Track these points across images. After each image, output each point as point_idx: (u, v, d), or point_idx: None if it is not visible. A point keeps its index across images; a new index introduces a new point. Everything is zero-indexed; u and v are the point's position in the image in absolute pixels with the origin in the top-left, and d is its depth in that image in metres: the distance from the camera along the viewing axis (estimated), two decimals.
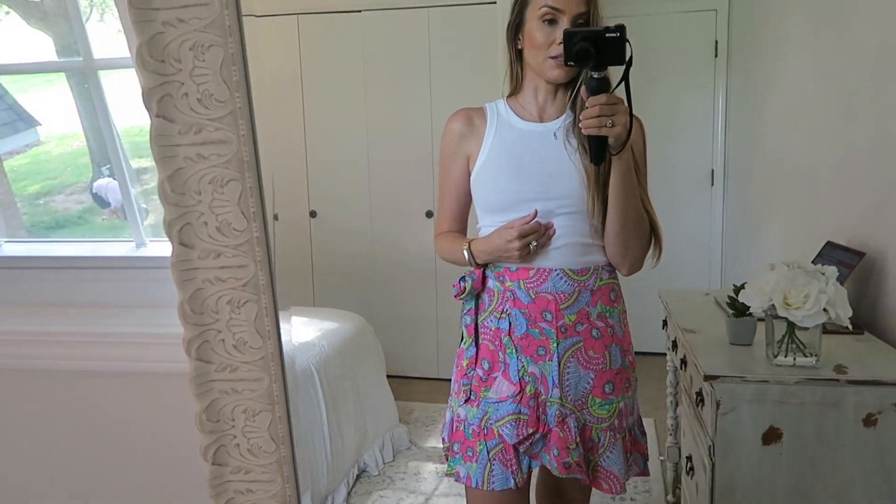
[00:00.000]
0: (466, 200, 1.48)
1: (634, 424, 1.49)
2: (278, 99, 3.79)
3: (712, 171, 3.92)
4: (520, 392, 1.35)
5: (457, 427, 1.43)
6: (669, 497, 2.49)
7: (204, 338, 0.74)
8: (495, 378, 1.38)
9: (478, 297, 1.43)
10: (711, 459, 1.44)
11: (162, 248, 1.52)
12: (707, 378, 1.43)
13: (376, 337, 3.00)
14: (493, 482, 1.37)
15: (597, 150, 1.22)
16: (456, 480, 1.42)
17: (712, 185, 3.93)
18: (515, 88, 1.45)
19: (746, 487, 1.43)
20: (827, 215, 2.15)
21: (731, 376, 1.41)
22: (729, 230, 3.85)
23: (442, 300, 3.70)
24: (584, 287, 1.37)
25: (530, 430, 1.35)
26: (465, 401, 1.41)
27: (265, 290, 0.78)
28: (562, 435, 1.35)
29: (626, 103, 1.19)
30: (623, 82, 1.19)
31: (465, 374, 1.42)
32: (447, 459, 1.47)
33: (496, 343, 1.39)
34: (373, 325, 3.06)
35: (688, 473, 1.70)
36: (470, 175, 1.44)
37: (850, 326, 1.39)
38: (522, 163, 1.37)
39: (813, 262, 2.02)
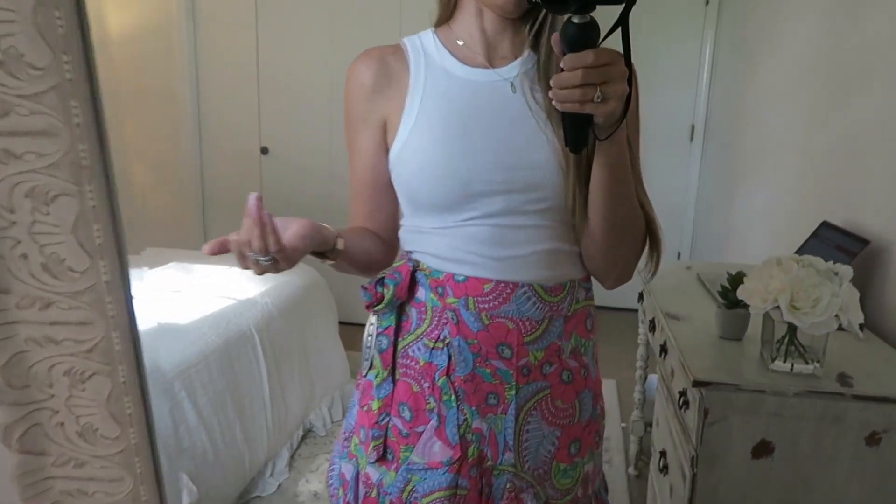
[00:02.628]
0: (385, 185, 0.99)
1: (600, 487, 1.11)
2: (227, 22, 3.42)
3: (692, 126, 3.73)
4: (459, 458, 0.93)
5: (366, 493, 0.98)
6: (631, 469, 2.41)
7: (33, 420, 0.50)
8: (421, 434, 0.95)
9: (400, 310, 0.98)
10: (693, 470, 1.30)
11: None
12: (696, 384, 1.26)
13: (329, 291, 2.78)
14: None
15: (575, 134, 0.77)
16: None
17: (691, 141, 3.75)
18: (447, 12, 0.98)
19: (729, 500, 1.29)
20: (824, 191, 1.98)
21: (723, 383, 1.25)
22: (705, 191, 3.70)
23: None
24: (557, 312, 0.95)
25: None
26: (378, 459, 0.97)
27: (124, 357, 0.55)
28: None
29: (623, 60, 0.74)
30: (620, 27, 0.74)
31: (377, 423, 0.96)
32: None
33: (425, 384, 0.94)
34: (328, 272, 2.84)
35: (661, 471, 1.57)
36: (388, 150, 0.96)
37: (861, 334, 1.24)
38: (470, 133, 0.90)
39: (806, 242, 1.87)
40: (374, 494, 0.97)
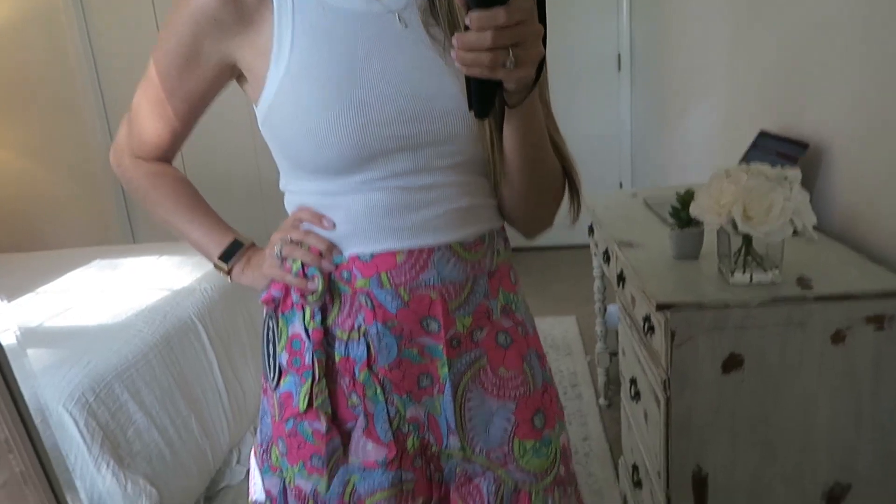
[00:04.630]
0: (192, 120, 0.88)
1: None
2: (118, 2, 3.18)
3: (619, 55, 3.69)
4: (396, 454, 0.84)
5: None
6: (602, 400, 2.42)
7: None
8: (352, 432, 0.84)
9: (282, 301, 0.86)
10: (667, 393, 1.28)
11: None
12: (660, 307, 1.23)
13: None
14: None
15: (481, 99, 0.66)
16: None
17: (619, 70, 3.72)
18: None
19: (703, 417, 1.28)
20: (757, 101, 1.97)
21: (686, 303, 1.23)
22: (639, 119, 3.69)
23: None
24: (480, 270, 0.84)
25: (420, 501, 0.87)
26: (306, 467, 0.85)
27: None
28: None
29: (537, 16, 0.62)
30: None
31: (298, 430, 0.84)
32: None
33: (344, 381, 0.83)
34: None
35: (633, 398, 1.56)
36: (218, 88, 0.84)
37: (815, 237, 1.22)
38: (360, 78, 0.75)
39: (746, 154, 1.86)
40: None
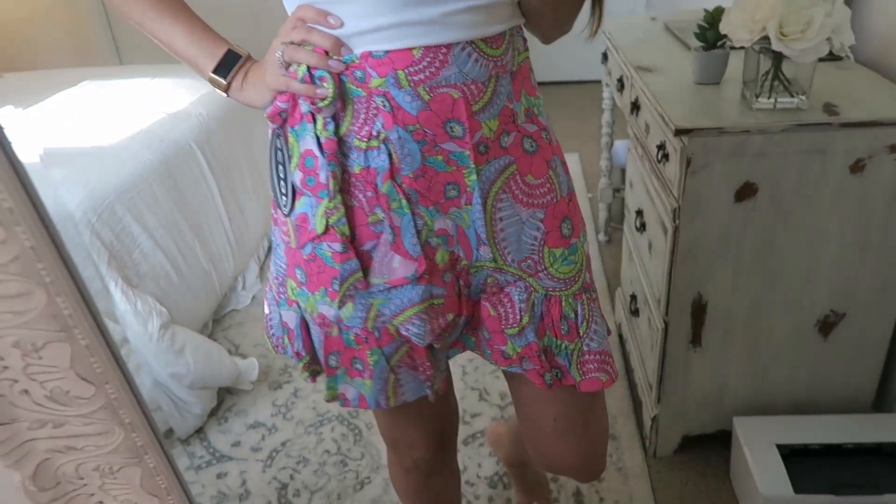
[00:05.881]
0: None
1: None
2: None
3: None
4: (426, 268, 0.80)
5: (327, 333, 0.85)
6: (601, 236, 2.44)
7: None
8: (372, 252, 0.80)
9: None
10: (675, 222, 1.27)
11: None
12: (679, 132, 1.18)
13: None
14: (401, 394, 0.88)
15: None
16: (342, 405, 0.90)
17: None
18: None
19: (710, 245, 1.29)
20: None
21: (706, 128, 1.18)
22: None
23: None
24: (503, 68, 0.77)
25: (450, 317, 0.84)
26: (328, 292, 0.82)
27: (150, 447, 0.50)
28: (493, 313, 0.85)
29: None
30: None
31: (317, 254, 0.80)
32: (313, 377, 0.93)
33: (366, 195, 0.78)
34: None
35: (638, 230, 1.55)
36: None
37: (852, 56, 1.15)
38: None
39: None
40: (335, 333, 0.84)
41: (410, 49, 0.71)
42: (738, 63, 1.32)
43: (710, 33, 1.31)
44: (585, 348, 0.86)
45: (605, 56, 1.96)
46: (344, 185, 0.78)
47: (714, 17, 1.29)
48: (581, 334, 0.86)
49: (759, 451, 1.34)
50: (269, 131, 0.82)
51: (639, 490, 1.50)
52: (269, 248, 2.49)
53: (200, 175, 1.99)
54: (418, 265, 0.79)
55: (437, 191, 0.78)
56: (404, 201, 0.77)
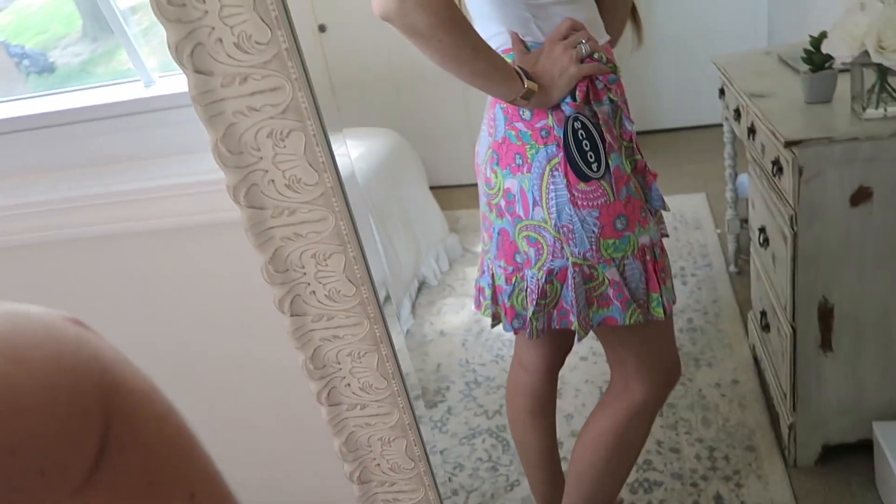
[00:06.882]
0: None
1: None
2: None
3: None
4: None
5: (648, 259, 1.04)
6: (732, 268, 2.49)
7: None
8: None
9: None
10: (794, 229, 1.37)
11: (173, 83, 1.37)
12: (788, 144, 1.31)
13: (414, 151, 2.89)
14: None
15: None
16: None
17: None
18: None
19: (831, 252, 1.37)
20: None
21: (815, 139, 1.29)
22: None
23: (472, 103, 3.51)
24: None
25: None
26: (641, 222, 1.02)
27: (349, 238, 0.71)
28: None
29: None
30: None
31: (630, 193, 1.00)
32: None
33: (628, 189, 1.01)
34: (409, 133, 2.96)
35: (761, 245, 1.64)
36: None
37: None
38: None
39: None
40: (649, 257, 1.03)
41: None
42: (845, 85, 1.42)
43: (816, 56, 1.42)
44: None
45: (721, 92, 2.09)
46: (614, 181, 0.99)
47: (818, 41, 1.41)
48: None
49: None
50: (555, 124, 0.97)
51: (779, 495, 1.54)
52: (418, 290, 2.77)
53: (366, 213, 2.31)
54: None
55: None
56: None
